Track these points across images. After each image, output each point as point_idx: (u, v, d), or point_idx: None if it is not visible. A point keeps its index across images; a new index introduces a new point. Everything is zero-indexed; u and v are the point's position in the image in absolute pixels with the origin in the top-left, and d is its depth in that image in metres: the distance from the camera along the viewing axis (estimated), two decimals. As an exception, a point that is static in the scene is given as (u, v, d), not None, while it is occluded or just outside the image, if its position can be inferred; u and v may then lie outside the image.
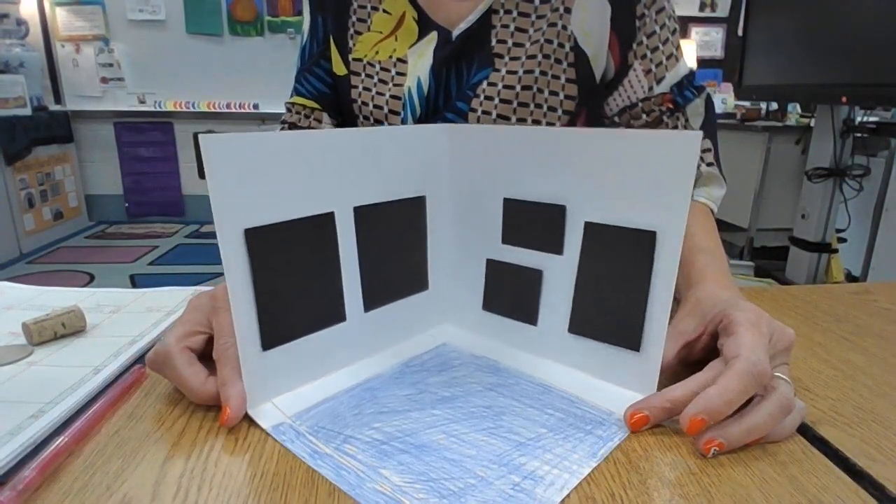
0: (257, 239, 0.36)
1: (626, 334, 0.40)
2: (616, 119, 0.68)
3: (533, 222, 0.45)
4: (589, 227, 0.42)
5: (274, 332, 0.38)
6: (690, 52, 3.76)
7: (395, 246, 0.46)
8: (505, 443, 0.35)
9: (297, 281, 0.39)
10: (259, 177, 0.36)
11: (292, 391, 0.40)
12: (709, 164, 0.65)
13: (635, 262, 0.39)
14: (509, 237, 0.47)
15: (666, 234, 0.38)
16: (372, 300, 0.45)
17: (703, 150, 0.65)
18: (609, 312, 0.41)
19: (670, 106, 0.65)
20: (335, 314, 0.43)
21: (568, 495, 0.30)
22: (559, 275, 0.44)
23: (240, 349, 0.36)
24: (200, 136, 0.33)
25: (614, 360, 0.41)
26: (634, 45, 0.64)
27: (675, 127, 0.66)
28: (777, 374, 0.37)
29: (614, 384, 0.41)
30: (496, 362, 0.45)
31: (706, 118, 0.67)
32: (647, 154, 0.38)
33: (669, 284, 0.38)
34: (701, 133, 0.36)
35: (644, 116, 0.66)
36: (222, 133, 0.34)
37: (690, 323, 0.42)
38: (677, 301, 0.39)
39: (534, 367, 0.44)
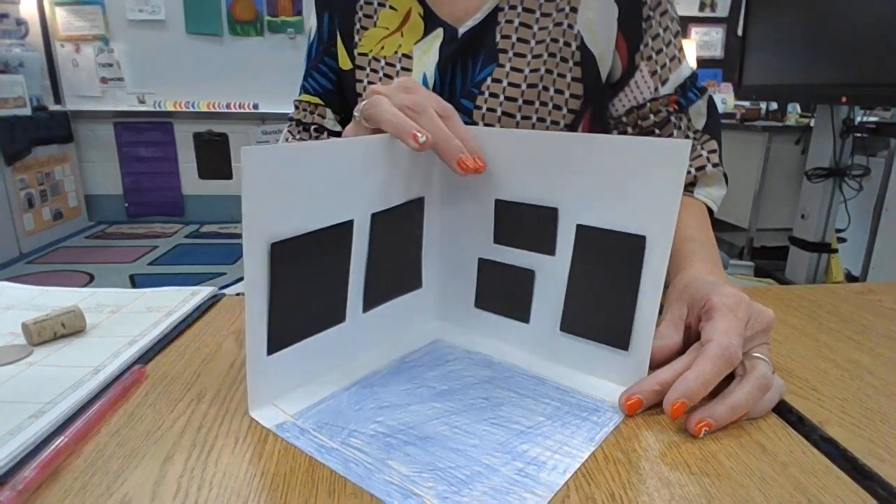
0: (281, 253, 0.37)
1: (616, 334, 0.41)
2: (623, 119, 0.69)
3: (525, 223, 0.45)
4: (581, 229, 0.43)
5: (280, 338, 0.39)
6: (690, 51, 3.76)
7: (396, 247, 0.47)
8: (506, 431, 0.36)
9: (309, 289, 0.40)
10: (289, 188, 0.36)
11: (292, 392, 0.40)
12: (714, 165, 0.65)
13: (625, 265, 0.40)
14: (501, 237, 0.47)
15: (655, 239, 0.39)
16: (370, 301, 0.45)
17: (710, 151, 0.66)
18: (599, 313, 0.42)
19: (675, 107, 0.66)
20: (337, 316, 0.43)
21: (570, 478, 0.32)
22: (551, 275, 0.45)
23: (247, 354, 0.37)
24: (243, 148, 0.33)
25: (604, 358, 0.42)
26: (641, 47, 0.65)
27: (680, 127, 0.66)
28: (756, 354, 0.39)
29: (604, 380, 0.42)
30: (489, 357, 0.46)
31: (710, 119, 0.67)
32: (638, 160, 0.39)
33: (658, 286, 0.39)
34: (690, 142, 0.37)
35: (652, 116, 0.67)
36: (261, 145, 0.34)
37: (683, 308, 0.44)
38: (665, 285, 0.41)
39: (526, 362, 0.45)
